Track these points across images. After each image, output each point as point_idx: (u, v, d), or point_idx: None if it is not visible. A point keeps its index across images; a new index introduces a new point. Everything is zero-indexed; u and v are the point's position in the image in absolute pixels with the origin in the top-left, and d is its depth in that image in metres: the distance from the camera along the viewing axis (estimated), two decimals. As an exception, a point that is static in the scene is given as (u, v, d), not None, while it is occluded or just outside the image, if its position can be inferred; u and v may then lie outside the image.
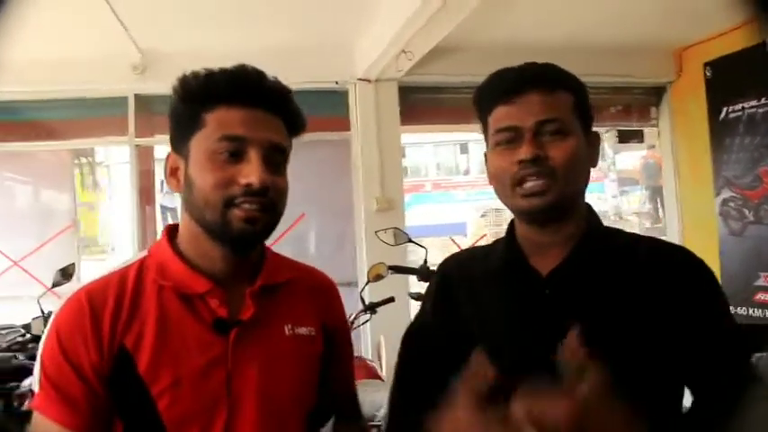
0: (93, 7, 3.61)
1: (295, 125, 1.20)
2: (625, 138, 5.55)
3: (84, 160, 7.47)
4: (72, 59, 4.41)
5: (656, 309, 1.11)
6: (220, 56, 4.57)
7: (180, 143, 1.13)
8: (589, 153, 1.20)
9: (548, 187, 1.13)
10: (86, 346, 1.07)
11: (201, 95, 1.11)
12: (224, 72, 1.13)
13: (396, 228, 3.32)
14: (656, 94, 5.33)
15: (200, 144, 1.10)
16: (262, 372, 1.13)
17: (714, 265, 4.69)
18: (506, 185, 1.17)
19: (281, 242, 4.75)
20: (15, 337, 3.34)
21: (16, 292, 4.61)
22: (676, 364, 1.10)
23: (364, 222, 4.69)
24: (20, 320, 3.43)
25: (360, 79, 4.74)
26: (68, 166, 5.72)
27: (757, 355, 1.97)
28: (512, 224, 1.27)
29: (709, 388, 1.09)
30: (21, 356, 3.22)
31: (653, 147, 5.71)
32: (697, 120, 4.86)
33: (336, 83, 4.84)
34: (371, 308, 3.39)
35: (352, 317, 3.43)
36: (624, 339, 1.08)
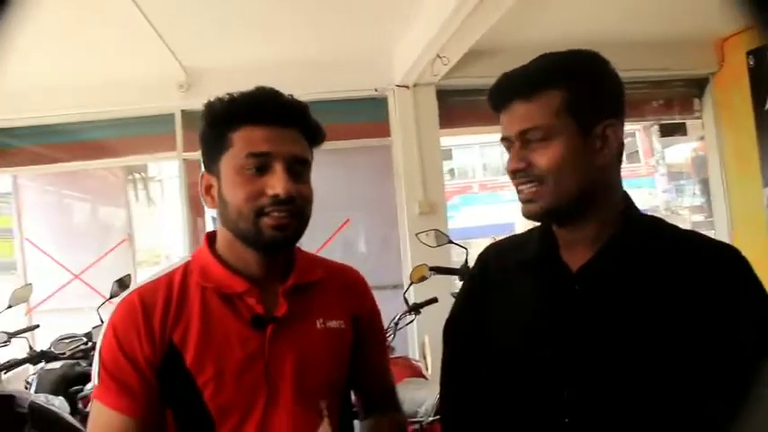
0: (139, 30, 3.79)
1: (314, 136, 1.29)
2: (668, 131, 5.47)
3: (137, 176, 7.72)
4: (121, 81, 4.64)
5: (689, 313, 1.07)
6: (261, 70, 4.75)
7: (211, 163, 1.24)
8: (592, 148, 1.14)
9: (538, 194, 1.15)
10: (140, 341, 1.18)
11: (227, 118, 1.21)
12: (244, 95, 1.23)
13: (436, 229, 3.38)
14: (698, 86, 5.26)
15: (229, 163, 1.21)
16: (296, 363, 1.22)
17: (764, 257, 4.61)
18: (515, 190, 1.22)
19: (331, 246, 4.88)
20: (78, 346, 3.51)
21: (78, 303, 4.83)
22: (707, 371, 1.05)
23: (407, 226, 4.76)
24: (81, 330, 3.60)
25: (398, 85, 4.83)
26: (122, 182, 5.95)
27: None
28: None
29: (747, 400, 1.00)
30: (83, 363, 3.39)
31: (702, 139, 5.61)
32: (742, 110, 4.78)
33: (375, 90, 4.94)
34: (415, 308, 3.45)
35: (397, 317, 3.50)
36: (651, 341, 1.07)
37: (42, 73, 4.15)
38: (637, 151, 14.19)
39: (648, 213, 1.29)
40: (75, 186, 5.69)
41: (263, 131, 1.20)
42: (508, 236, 1.46)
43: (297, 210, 1.20)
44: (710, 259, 1.11)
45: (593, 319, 1.13)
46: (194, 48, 4.35)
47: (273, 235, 1.19)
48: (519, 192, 1.19)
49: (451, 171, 13.52)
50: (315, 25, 4.17)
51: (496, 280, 1.31)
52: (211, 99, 1.26)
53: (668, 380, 1.06)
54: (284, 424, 1.20)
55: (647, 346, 1.07)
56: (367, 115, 5.01)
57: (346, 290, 1.38)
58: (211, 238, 1.32)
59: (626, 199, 1.21)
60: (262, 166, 1.19)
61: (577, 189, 1.14)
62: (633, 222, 1.19)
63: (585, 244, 1.17)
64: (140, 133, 5.11)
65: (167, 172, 9.53)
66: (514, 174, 1.17)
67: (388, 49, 4.68)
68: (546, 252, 1.23)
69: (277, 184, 1.18)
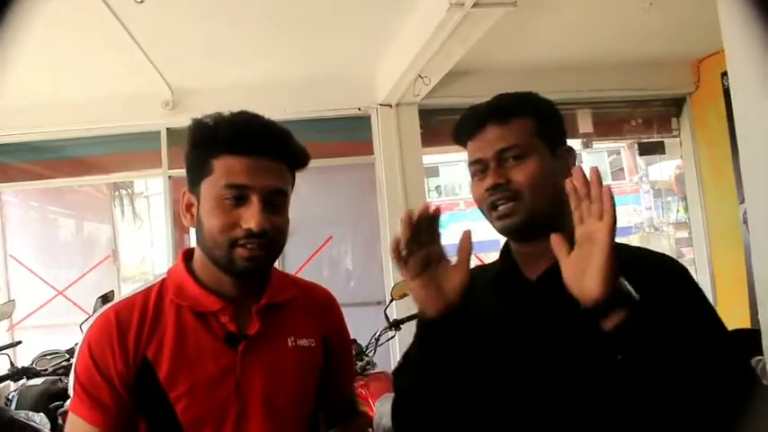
0: (126, 49, 3.85)
1: (297, 162, 1.33)
2: (647, 150, 5.57)
3: (123, 192, 7.73)
4: (107, 98, 4.69)
5: None
6: (246, 89, 4.80)
7: (193, 184, 1.29)
8: (561, 168, 1.26)
9: (515, 208, 1.24)
10: (114, 357, 1.22)
11: (209, 144, 1.26)
12: (228, 122, 1.26)
13: (416, 246, 3.43)
14: (676, 106, 5.38)
15: (208, 189, 1.25)
16: (266, 379, 1.27)
17: (741, 272, 4.70)
18: (485, 210, 1.30)
19: (314, 263, 4.91)
20: (60, 362, 3.52)
21: (61, 320, 4.84)
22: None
23: (390, 243, 4.78)
24: (64, 346, 3.61)
25: (381, 104, 4.90)
26: (107, 198, 5.98)
27: (757, 358, 2.02)
28: (507, 241, 1.37)
29: (700, 387, 1.10)
30: (65, 380, 3.40)
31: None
32: (717, 129, 4.89)
33: (359, 109, 5.00)
34: (396, 324, 3.50)
35: (378, 333, 3.55)
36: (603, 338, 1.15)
37: (28, 90, 4.19)
38: (622, 168, 14.34)
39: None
40: (60, 202, 5.71)
41: (243, 162, 1.23)
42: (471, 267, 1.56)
43: (268, 243, 1.24)
44: (653, 265, 1.23)
45: (553, 322, 1.22)
46: (180, 66, 4.41)
47: (245, 265, 1.23)
48: (494, 209, 1.27)
49: (438, 188, 13.59)
50: (299, 46, 4.24)
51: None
52: (197, 117, 1.29)
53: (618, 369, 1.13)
54: None
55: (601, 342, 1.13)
56: (350, 134, 5.08)
57: (317, 310, 1.43)
58: (188, 254, 1.35)
59: None
60: (239, 196, 1.23)
61: (548, 204, 1.25)
62: None
63: (544, 257, 1.25)
64: (126, 150, 5.14)
65: (153, 188, 9.55)
66: (494, 189, 1.25)
67: (372, 68, 4.76)
68: (508, 269, 1.34)
69: (251, 218, 1.22)
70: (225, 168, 1.24)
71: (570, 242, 1.19)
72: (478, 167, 1.29)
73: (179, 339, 1.25)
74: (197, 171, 1.27)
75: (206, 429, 1.23)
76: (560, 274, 1.20)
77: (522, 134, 1.26)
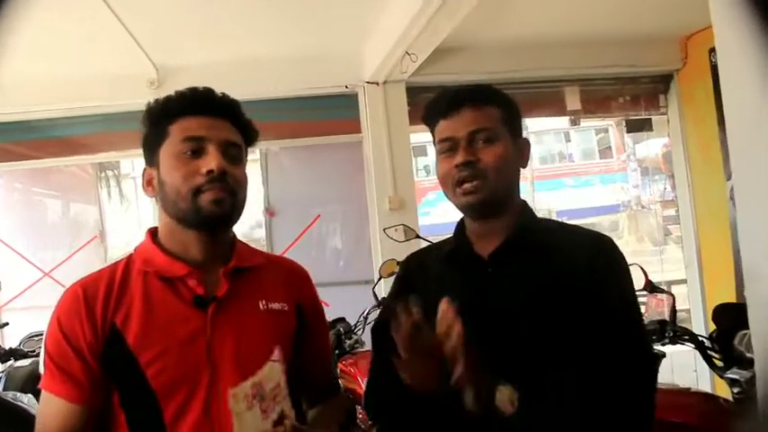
0: (110, 27, 3.78)
1: (247, 132, 1.39)
2: (635, 127, 5.57)
3: (110, 173, 7.67)
4: (92, 77, 4.63)
5: (570, 282, 1.33)
6: (231, 67, 4.76)
7: (151, 157, 1.33)
8: (518, 156, 1.45)
9: (480, 186, 1.38)
10: (82, 327, 1.24)
11: (164, 113, 1.32)
12: (179, 93, 1.33)
13: (404, 225, 3.43)
14: (663, 83, 5.36)
15: (166, 151, 1.30)
16: (238, 341, 1.28)
17: (726, 249, 4.73)
18: (449, 187, 1.43)
19: (303, 242, 4.92)
20: (47, 343, 3.51)
21: (48, 301, 4.79)
22: (582, 328, 1.30)
23: (378, 221, 4.79)
24: (51, 327, 3.60)
25: (368, 82, 4.86)
26: (93, 179, 5.92)
27: (743, 332, 2.05)
28: (461, 220, 1.52)
29: (592, 354, 1.27)
30: (53, 361, 3.39)
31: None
32: (705, 106, 4.88)
33: (346, 87, 4.96)
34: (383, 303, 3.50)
35: (366, 312, 3.55)
36: (547, 306, 1.32)
37: (11, 69, 4.12)
38: (610, 147, 14.36)
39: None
40: (45, 184, 5.65)
41: (198, 120, 1.30)
42: (426, 246, 1.76)
43: (230, 188, 1.28)
44: (584, 243, 1.40)
45: (503, 295, 1.37)
46: (165, 45, 4.35)
47: (211, 210, 1.26)
48: (459, 186, 1.40)
49: (427, 167, 13.57)
50: (285, 23, 4.19)
51: (418, 276, 1.52)
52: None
53: (558, 332, 1.30)
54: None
55: (545, 310, 1.32)
56: (338, 112, 5.03)
57: (289, 279, 1.45)
58: (153, 232, 1.38)
59: (524, 202, 1.51)
60: (197, 149, 1.27)
61: (507, 185, 1.43)
62: (530, 217, 1.49)
63: (495, 235, 1.42)
64: (111, 130, 5.07)
65: (140, 169, 9.46)
66: (464, 165, 1.38)
67: (358, 45, 4.71)
68: (461, 246, 1.48)
69: (210, 161, 1.26)
70: (180, 128, 1.29)
71: (508, 224, 1.43)
72: (448, 145, 1.41)
73: (147, 305, 1.27)
74: (154, 141, 1.32)
75: (178, 394, 1.24)
76: (510, 251, 1.40)
77: (493, 120, 1.41)
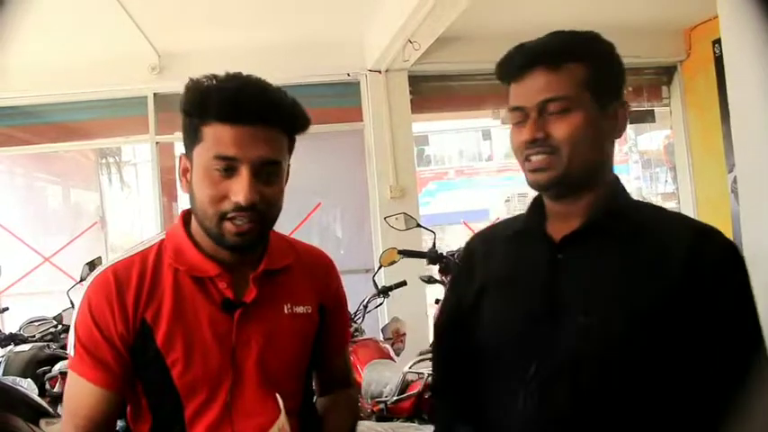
0: (111, 13, 3.77)
1: (294, 127, 1.27)
2: (637, 118, 5.55)
3: (111, 159, 7.66)
4: (94, 63, 4.61)
5: (665, 289, 1.09)
6: (234, 53, 4.73)
7: (188, 149, 1.25)
8: (607, 125, 1.17)
9: (550, 163, 1.15)
10: (114, 317, 1.22)
11: (199, 110, 1.20)
12: (219, 88, 1.20)
13: (404, 213, 3.43)
14: (666, 74, 5.35)
15: (199, 156, 1.21)
16: (262, 346, 1.27)
17: (728, 241, 4.73)
18: (520, 161, 1.21)
19: (304, 230, 4.91)
20: (48, 329, 3.52)
21: (48, 287, 4.82)
22: (678, 341, 1.08)
23: (379, 210, 4.79)
24: (51, 313, 3.60)
25: (370, 70, 4.86)
26: (94, 165, 5.92)
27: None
28: (539, 194, 1.28)
29: (711, 377, 1.07)
30: (53, 346, 3.41)
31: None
32: (708, 97, 4.87)
33: (348, 75, 4.95)
34: (384, 291, 3.51)
35: (366, 300, 3.56)
36: (624, 311, 1.10)
37: (12, 54, 4.11)
38: (612, 138, 14.31)
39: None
40: (46, 169, 5.65)
41: (233, 131, 1.18)
42: (493, 223, 1.50)
43: (258, 216, 1.21)
44: (691, 235, 1.14)
45: (572, 288, 1.16)
46: (166, 30, 4.34)
47: (235, 240, 1.21)
48: (527, 161, 1.18)
49: (428, 157, 13.55)
50: (288, 10, 4.18)
51: (481, 259, 1.33)
52: (192, 77, 1.23)
53: (642, 341, 1.09)
54: (249, 406, 1.24)
55: (617, 315, 1.11)
56: (340, 100, 5.04)
57: (315, 275, 1.41)
58: (186, 217, 1.32)
59: (616, 178, 1.24)
60: (228, 168, 1.18)
61: (587, 162, 1.16)
62: (621, 199, 1.22)
63: (575, 216, 1.19)
64: (112, 116, 5.08)
65: (142, 156, 9.45)
66: (532, 143, 1.16)
67: (361, 33, 4.70)
68: (532, 225, 1.26)
69: (240, 191, 1.17)
70: (214, 137, 1.19)
71: (591, 205, 1.18)
72: (517, 115, 1.19)
73: (177, 303, 1.24)
74: (189, 137, 1.23)
75: (200, 394, 1.23)
76: (587, 236, 1.17)
77: (570, 84, 1.14)
